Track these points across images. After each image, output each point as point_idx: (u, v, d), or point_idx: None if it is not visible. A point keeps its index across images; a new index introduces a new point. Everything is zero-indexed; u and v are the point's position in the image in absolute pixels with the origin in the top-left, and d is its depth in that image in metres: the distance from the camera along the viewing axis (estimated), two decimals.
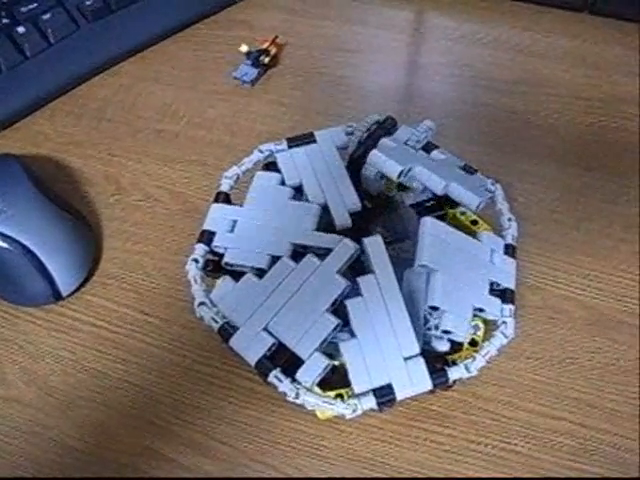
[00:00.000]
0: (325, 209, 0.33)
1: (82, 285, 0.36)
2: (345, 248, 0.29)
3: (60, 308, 0.36)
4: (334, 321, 0.28)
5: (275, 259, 0.30)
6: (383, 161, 0.33)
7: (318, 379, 0.29)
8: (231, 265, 0.32)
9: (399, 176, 0.33)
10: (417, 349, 0.28)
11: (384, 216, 0.36)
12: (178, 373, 0.33)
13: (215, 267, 0.33)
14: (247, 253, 0.32)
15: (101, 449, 0.32)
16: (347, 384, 0.29)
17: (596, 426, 0.33)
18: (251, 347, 0.29)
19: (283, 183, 0.35)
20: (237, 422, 0.32)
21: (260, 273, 0.30)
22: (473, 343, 0.32)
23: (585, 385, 0.34)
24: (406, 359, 0.29)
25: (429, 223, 0.30)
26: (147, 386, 0.33)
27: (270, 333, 0.29)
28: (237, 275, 0.31)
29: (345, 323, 0.29)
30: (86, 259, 0.38)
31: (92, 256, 0.37)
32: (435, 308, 0.29)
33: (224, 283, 0.31)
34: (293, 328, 0.29)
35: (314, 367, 0.28)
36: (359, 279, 0.29)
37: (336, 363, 0.32)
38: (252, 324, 0.29)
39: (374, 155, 0.33)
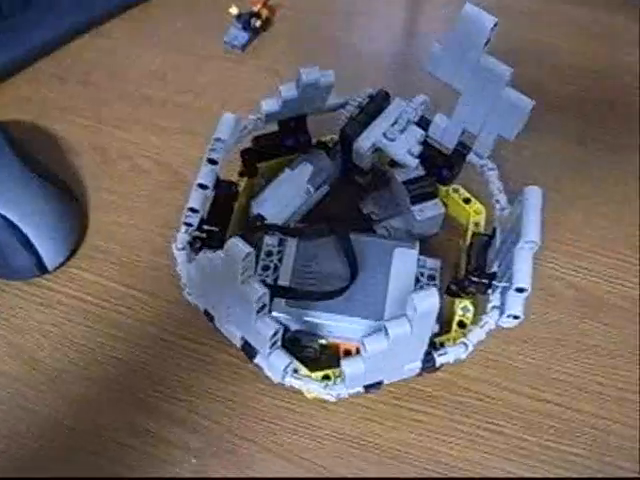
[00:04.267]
0: None
1: (68, 258, 0.36)
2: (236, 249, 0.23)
3: (46, 282, 0.35)
4: (271, 326, 0.26)
5: None
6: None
7: (287, 375, 0.28)
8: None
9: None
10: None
11: (375, 192, 0.36)
12: (163, 348, 0.33)
13: (203, 244, 0.32)
14: None
15: (86, 423, 0.32)
16: (336, 363, 0.29)
17: (581, 408, 0.33)
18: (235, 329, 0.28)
19: None
20: (222, 398, 0.32)
21: None
22: (461, 324, 0.32)
23: (573, 368, 0.34)
24: None
25: (535, 192, 0.27)
26: (133, 361, 0.33)
27: None
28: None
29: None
30: (72, 232, 0.37)
31: (78, 229, 0.36)
32: (521, 290, 0.26)
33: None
34: (245, 327, 0.27)
35: (276, 366, 0.27)
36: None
37: (323, 342, 0.32)
38: None
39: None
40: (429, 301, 0.23)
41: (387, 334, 0.24)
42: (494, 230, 0.32)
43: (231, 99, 0.42)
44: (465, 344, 0.29)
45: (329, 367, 0.29)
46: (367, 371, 0.26)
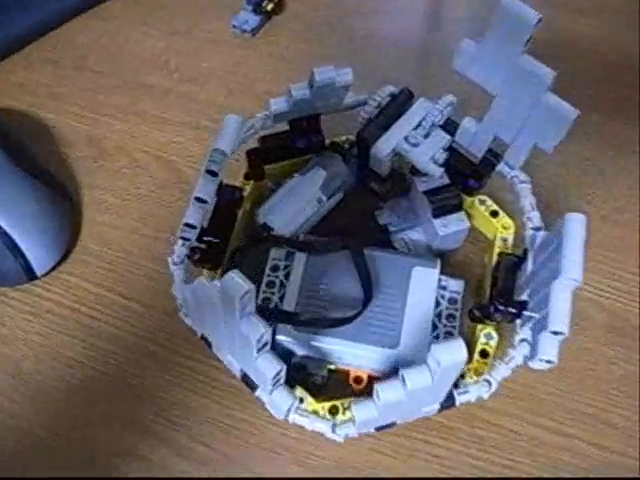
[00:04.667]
0: None
1: (59, 263, 0.33)
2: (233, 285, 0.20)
3: (35, 288, 0.33)
4: (273, 366, 0.23)
5: None
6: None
7: (292, 412, 0.25)
8: None
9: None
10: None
11: (393, 201, 0.33)
12: (157, 365, 0.31)
13: (203, 256, 0.30)
14: None
15: (71, 442, 0.30)
16: (344, 392, 0.27)
17: (607, 446, 0.30)
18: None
19: None
20: (218, 422, 0.30)
21: None
22: (484, 353, 0.29)
23: (601, 400, 0.31)
24: None
25: (578, 221, 0.24)
26: (123, 378, 0.31)
27: None
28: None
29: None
30: (63, 235, 0.34)
31: (70, 231, 0.34)
32: (558, 333, 0.24)
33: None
34: (244, 362, 0.25)
35: (279, 405, 0.25)
36: None
37: (332, 367, 0.29)
38: None
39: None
40: (454, 356, 0.20)
41: (404, 383, 0.21)
42: (525, 252, 0.29)
43: (239, 89, 0.39)
44: (488, 382, 0.26)
45: (337, 396, 0.27)
46: (380, 415, 0.24)
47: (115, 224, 0.35)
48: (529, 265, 0.28)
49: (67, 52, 0.42)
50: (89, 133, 0.38)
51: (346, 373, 0.29)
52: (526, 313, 0.26)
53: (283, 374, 0.24)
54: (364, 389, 0.29)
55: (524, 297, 0.28)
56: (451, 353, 0.20)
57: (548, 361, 0.24)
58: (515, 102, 0.27)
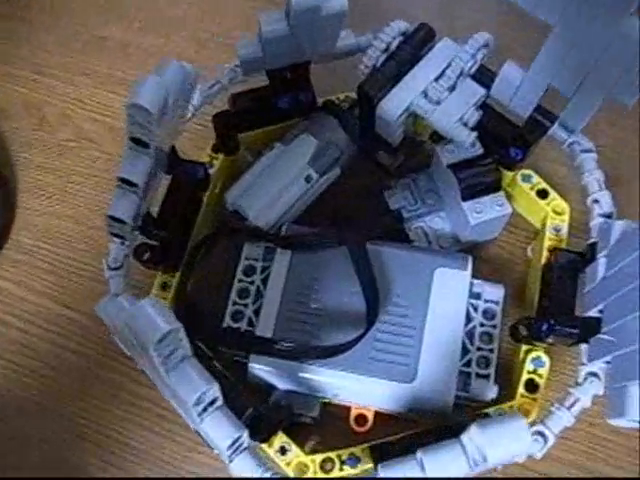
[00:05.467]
0: None
1: None
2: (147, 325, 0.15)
3: None
4: (227, 434, 0.17)
5: None
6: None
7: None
8: None
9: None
10: None
11: (407, 179, 0.28)
12: (103, 393, 0.26)
13: (154, 256, 0.24)
14: None
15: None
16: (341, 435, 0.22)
17: None
18: None
19: None
20: (160, 460, 0.25)
21: None
22: (531, 385, 0.22)
23: None
24: None
25: None
26: (60, 408, 0.26)
27: None
28: None
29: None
30: None
31: (1, 222, 0.29)
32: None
33: None
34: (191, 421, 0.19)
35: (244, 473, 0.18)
36: None
37: (327, 399, 0.24)
38: None
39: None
40: (511, 446, 0.13)
41: (423, 469, 0.14)
42: (592, 248, 0.22)
43: (213, 40, 0.34)
44: (543, 435, 0.20)
45: (331, 441, 0.23)
46: None
47: (55, 212, 0.30)
48: (599, 267, 0.21)
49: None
50: (27, 98, 0.33)
51: (346, 409, 0.24)
52: (600, 337, 0.19)
53: (245, 439, 0.16)
54: (368, 432, 0.23)
55: (592, 312, 0.21)
56: (506, 441, 0.12)
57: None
58: (581, 35, 0.20)
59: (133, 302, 0.16)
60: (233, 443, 0.16)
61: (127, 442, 0.25)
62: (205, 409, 0.15)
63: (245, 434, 0.16)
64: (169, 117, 0.19)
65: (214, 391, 0.15)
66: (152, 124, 0.17)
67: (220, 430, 0.15)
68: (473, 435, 0.13)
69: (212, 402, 0.15)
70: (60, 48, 0.34)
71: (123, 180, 0.18)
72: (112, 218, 0.19)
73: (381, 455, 0.19)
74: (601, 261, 0.21)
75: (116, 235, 0.20)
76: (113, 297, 0.18)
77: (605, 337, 0.19)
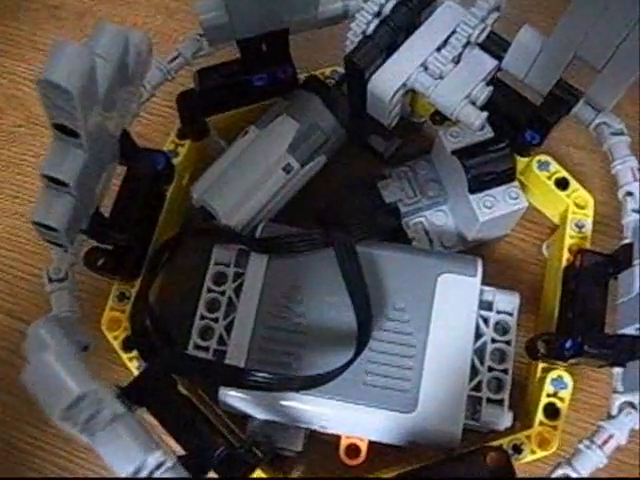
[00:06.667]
0: None
1: None
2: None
3: None
4: None
5: None
6: None
7: None
8: None
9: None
10: None
11: (404, 167, 0.26)
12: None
13: (109, 262, 0.21)
14: None
15: None
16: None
17: None
18: None
19: None
20: None
21: None
22: (551, 411, 0.20)
23: None
24: None
25: None
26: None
27: None
28: None
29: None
30: None
31: None
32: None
33: None
34: None
35: None
36: None
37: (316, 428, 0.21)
38: None
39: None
40: None
41: None
42: (625, 250, 0.19)
43: (182, 9, 0.31)
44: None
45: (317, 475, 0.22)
46: None
47: (6, 209, 0.29)
48: (637, 275, 0.18)
49: None
50: None
51: (335, 437, 0.22)
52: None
53: None
54: (361, 465, 0.21)
55: (629, 329, 0.18)
56: None
57: None
58: None
59: (59, 337, 0.12)
60: None
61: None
62: (152, 474, 0.12)
63: None
64: (109, 97, 0.15)
65: (159, 455, 0.11)
66: (75, 107, 0.13)
67: None
68: None
69: (159, 465, 0.12)
70: (5, 19, 0.31)
71: (50, 179, 0.15)
72: (39, 224, 0.15)
73: None
74: (638, 268, 0.18)
75: (52, 242, 0.17)
76: (49, 322, 0.15)
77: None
